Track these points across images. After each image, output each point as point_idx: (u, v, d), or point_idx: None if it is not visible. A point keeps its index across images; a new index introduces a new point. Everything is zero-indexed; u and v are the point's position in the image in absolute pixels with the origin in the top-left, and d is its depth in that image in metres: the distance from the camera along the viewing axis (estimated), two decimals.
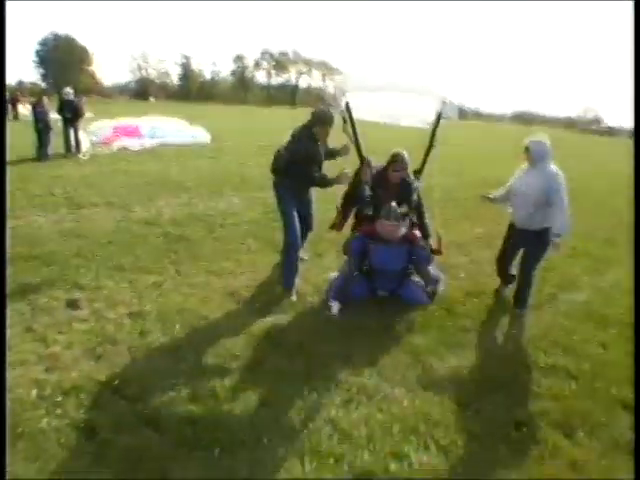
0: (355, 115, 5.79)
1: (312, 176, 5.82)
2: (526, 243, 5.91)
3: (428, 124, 5.95)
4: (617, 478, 3.60)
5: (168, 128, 20.00)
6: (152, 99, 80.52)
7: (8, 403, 3.47)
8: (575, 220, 5.64)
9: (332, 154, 6.27)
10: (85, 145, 16.92)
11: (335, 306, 5.62)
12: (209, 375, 4.39)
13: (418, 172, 6.21)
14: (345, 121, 5.82)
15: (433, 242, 6.13)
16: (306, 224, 6.34)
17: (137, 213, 9.54)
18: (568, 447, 3.82)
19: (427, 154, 6.10)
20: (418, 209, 6.17)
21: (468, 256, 8.13)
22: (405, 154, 5.99)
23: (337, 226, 6.34)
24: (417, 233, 5.93)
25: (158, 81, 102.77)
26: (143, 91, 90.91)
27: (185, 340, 4.96)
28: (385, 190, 5.95)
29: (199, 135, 20.45)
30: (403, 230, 5.73)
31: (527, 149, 5.62)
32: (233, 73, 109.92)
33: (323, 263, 7.07)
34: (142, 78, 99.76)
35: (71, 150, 16.66)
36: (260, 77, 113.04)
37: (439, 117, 5.87)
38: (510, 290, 6.32)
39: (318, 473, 3.36)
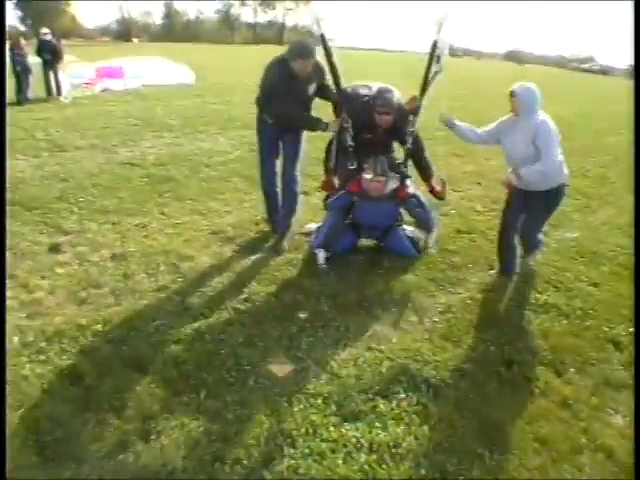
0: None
1: (283, 113, 5.21)
2: (529, 205, 4.98)
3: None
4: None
5: (152, 68, 19.68)
6: (135, 40, 78.96)
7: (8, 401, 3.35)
8: (569, 158, 5.48)
9: (325, 94, 5.45)
10: (66, 88, 16.51)
11: (321, 255, 5.25)
12: (194, 315, 4.31)
13: (414, 112, 5.24)
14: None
15: (435, 183, 5.53)
16: (285, 169, 5.68)
17: (121, 155, 9.33)
18: (559, 385, 3.77)
19: (423, 90, 5.18)
20: (415, 152, 5.39)
21: (458, 192, 8.02)
22: (393, 91, 5.27)
23: (325, 185, 5.62)
24: (409, 189, 5.29)
25: (141, 21, 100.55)
26: (125, 32, 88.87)
27: (169, 281, 4.86)
28: (372, 137, 5.27)
29: (183, 74, 20.12)
30: (392, 185, 5.20)
31: (514, 95, 4.64)
32: (218, 11, 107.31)
33: (310, 201, 6.87)
34: (124, 19, 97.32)
35: (52, 93, 16.21)
36: (246, 15, 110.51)
37: (434, 45, 5.01)
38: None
39: (305, 413, 3.30)
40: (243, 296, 4.63)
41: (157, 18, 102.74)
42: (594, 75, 67.45)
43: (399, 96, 5.32)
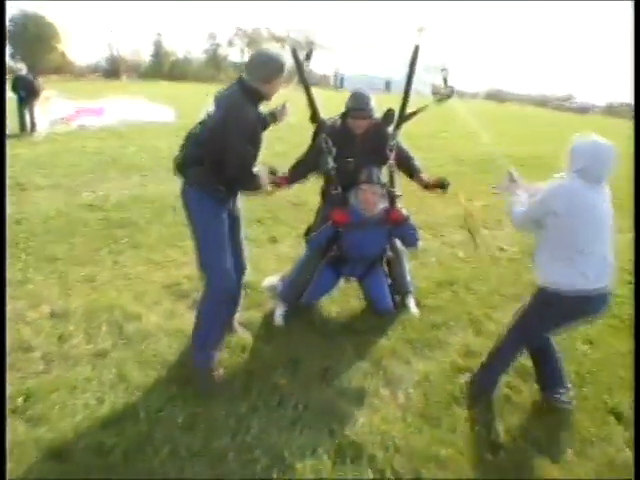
0: None
1: (245, 165, 3.65)
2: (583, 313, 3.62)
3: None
4: None
5: (131, 107, 19.43)
6: (124, 77, 79.01)
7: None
8: None
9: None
10: (42, 124, 16.03)
11: (279, 313, 4.71)
12: (130, 388, 3.72)
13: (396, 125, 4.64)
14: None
15: (427, 177, 4.81)
16: (239, 262, 4.17)
17: (82, 196, 8.71)
18: (555, 472, 3.22)
19: (404, 105, 4.59)
20: (400, 156, 4.71)
21: (440, 238, 7.51)
22: (369, 96, 4.55)
23: (276, 183, 4.43)
24: (402, 211, 4.61)
25: (130, 59, 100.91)
26: (114, 70, 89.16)
27: (110, 345, 4.26)
28: (351, 148, 4.54)
29: (162, 113, 19.81)
30: (381, 204, 4.57)
31: (578, 154, 3.35)
32: (206, 51, 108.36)
33: (279, 250, 6.32)
34: (113, 56, 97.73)
35: (26, 129, 15.67)
36: (234, 55, 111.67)
37: (413, 61, 4.50)
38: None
39: None
40: (189, 364, 3.99)
41: (146, 56, 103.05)
42: (573, 113, 67.89)
43: (375, 104, 4.60)
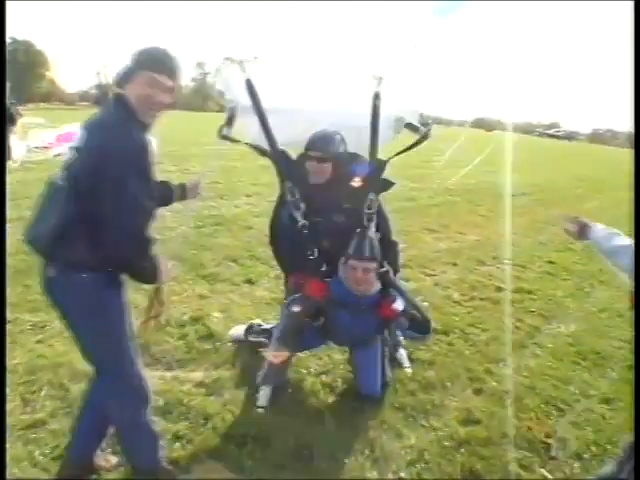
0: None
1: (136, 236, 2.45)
2: None
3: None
4: None
5: None
6: None
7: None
8: (550, 230, 4.38)
9: (167, 193, 3.03)
10: (19, 152, 15.42)
11: (264, 394, 3.75)
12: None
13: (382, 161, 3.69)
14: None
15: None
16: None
17: None
18: None
19: (373, 152, 3.62)
20: (378, 227, 3.74)
21: (431, 277, 6.87)
22: (336, 136, 3.66)
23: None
24: (397, 306, 3.61)
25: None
26: (103, 97, 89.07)
27: (49, 412, 3.60)
28: (312, 206, 3.68)
29: None
30: (378, 285, 3.67)
31: None
32: (194, 80, 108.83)
33: (255, 294, 5.69)
34: (101, 84, 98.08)
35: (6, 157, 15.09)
36: (221, 84, 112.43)
37: (375, 110, 3.57)
38: None
39: None
40: None
41: None
42: (559, 141, 68.07)
43: (345, 146, 3.71)
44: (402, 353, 4.32)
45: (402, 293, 3.70)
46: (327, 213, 3.64)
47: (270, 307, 4.88)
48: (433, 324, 5.07)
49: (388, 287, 3.68)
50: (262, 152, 3.77)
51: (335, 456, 3.31)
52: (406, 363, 4.28)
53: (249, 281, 6.00)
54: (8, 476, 2.32)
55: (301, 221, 3.64)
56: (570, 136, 79.73)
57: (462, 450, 3.45)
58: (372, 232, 3.59)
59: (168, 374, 4.12)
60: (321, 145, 3.58)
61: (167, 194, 2.97)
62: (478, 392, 4.17)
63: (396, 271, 3.89)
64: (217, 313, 5.16)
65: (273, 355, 3.62)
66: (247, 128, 3.83)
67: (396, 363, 4.24)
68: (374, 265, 3.51)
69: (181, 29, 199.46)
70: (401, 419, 3.71)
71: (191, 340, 4.67)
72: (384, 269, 3.68)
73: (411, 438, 3.53)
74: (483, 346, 4.92)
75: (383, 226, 3.80)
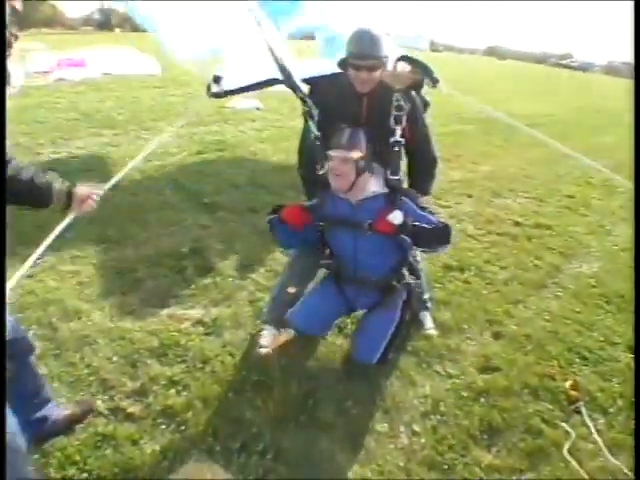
0: None
1: None
2: None
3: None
4: None
5: (116, 58, 17.84)
6: (117, 30, 77.33)
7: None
8: (567, 162, 3.97)
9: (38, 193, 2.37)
10: (17, 77, 14.85)
11: (265, 341, 3.45)
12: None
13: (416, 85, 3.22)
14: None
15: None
16: None
17: (43, 157, 7.60)
18: None
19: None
20: (414, 143, 3.26)
21: (445, 209, 6.49)
22: (377, 33, 3.04)
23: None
24: (393, 217, 2.89)
25: (122, 11, 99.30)
26: (107, 22, 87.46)
27: (37, 355, 3.31)
28: (352, 115, 3.13)
29: (149, 65, 18.12)
30: (375, 184, 3.05)
31: None
32: None
33: (259, 223, 5.30)
34: (105, 8, 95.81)
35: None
36: None
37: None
38: None
39: None
40: (128, 400, 3.03)
41: None
42: (573, 71, 66.40)
43: (390, 50, 3.15)
44: (426, 315, 3.85)
45: (409, 205, 3.00)
46: (367, 126, 3.06)
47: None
48: (446, 259, 4.80)
49: (394, 200, 3.00)
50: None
51: (342, 406, 3.03)
52: (429, 326, 3.81)
53: (252, 210, 5.65)
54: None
55: (314, 132, 3.17)
56: (584, 67, 77.80)
57: (481, 400, 3.17)
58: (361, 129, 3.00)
59: (163, 312, 3.84)
60: (369, 50, 3.01)
61: (38, 194, 2.34)
62: (497, 336, 3.87)
63: (425, 193, 3.39)
64: (218, 244, 4.84)
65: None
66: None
67: (418, 325, 3.79)
68: (353, 155, 2.89)
69: None
70: (414, 365, 3.41)
71: (189, 274, 4.37)
72: (395, 177, 3.06)
73: (425, 386, 3.24)
74: (501, 285, 4.60)
75: (419, 135, 3.29)
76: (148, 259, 4.57)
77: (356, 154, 2.89)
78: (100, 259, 4.62)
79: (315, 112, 3.16)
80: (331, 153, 2.93)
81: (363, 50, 3.00)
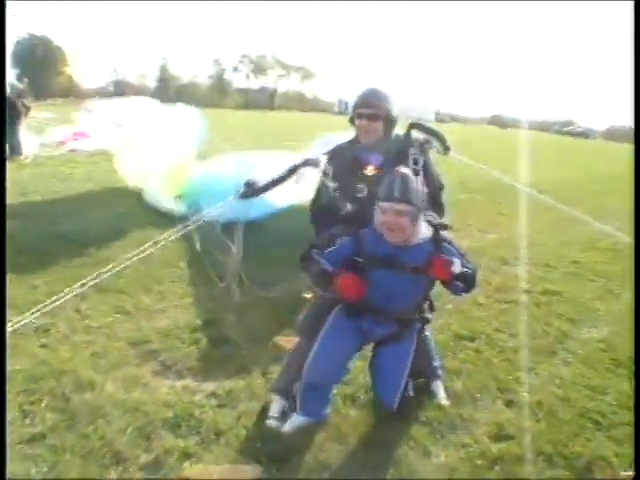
0: None
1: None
2: None
3: None
4: None
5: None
6: None
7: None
8: (573, 228, 4.09)
9: None
10: (29, 147, 15.25)
11: (274, 414, 3.47)
12: None
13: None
14: None
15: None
16: None
17: (58, 227, 7.75)
18: None
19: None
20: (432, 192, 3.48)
21: None
22: (383, 90, 3.47)
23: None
24: (455, 267, 3.01)
25: (136, 83, 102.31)
26: (120, 93, 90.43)
27: (49, 425, 3.36)
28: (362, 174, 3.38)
29: None
30: (424, 231, 3.15)
31: None
32: (211, 77, 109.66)
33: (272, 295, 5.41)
34: (119, 80, 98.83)
35: (14, 152, 14.88)
36: (238, 81, 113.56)
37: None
38: None
39: None
40: (142, 472, 3.06)
41: (152, 81, 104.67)
42: (576, 138, 67.32)
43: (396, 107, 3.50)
44: (438, 384, 3.86)
45: (454, 252, 3.17)
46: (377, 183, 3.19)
47: (290, 311, 4.63)
48: (456, 328, 4.87)
49: (440, 244, 3.14)
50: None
51: (358, 476, 3.06)
52: (442, 396, 3.80)
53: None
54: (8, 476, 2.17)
55: (331, 185, 3.39)
56: (586, 133, 78.87)
57: (495, 469, 3.19)
58: (410, 173, 3.12)
59: (178, 383, 3.90)
60: (371, 102, 3.40)
61: None
62: (509, 404, 3.89)
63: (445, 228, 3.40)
64: (231, 316, 4.92)
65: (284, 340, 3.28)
66: None
67: (431, 394, 3.82)
68: (408, 208, 2.97)
69: (198, 26, 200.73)
70: (428, 435, 3.43)
71: (203, 346, 4.44)
72: (438, 221, 3.23)
73: (440, 456, 3.26)
74: (511, 353, 4.65)
75: (431, 186, 3.48)
76: (162, 330, 4.66)
77: (409, 207, 2.98)
78: (114, 330, 4.70)
79: (330, 170, 3.42)
80: (385, 205, 3.00)
81: (365, 100, 3.39)
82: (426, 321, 3.42)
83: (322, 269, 3.09)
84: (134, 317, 4.97)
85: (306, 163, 3.56)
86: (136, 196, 9.89)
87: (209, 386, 3.87)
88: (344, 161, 3.48)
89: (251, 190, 3.62)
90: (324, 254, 3.16)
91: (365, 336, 3.37)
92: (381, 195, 3.03)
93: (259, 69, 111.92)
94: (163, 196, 8.28)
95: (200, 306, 5.21)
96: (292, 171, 3.65)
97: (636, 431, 2.81)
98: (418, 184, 3.12)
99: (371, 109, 3.37)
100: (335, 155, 3.57)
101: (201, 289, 5.60)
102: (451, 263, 3.00)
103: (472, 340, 4.81)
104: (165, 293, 5.53)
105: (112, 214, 8.75)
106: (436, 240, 3.14)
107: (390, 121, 3.46)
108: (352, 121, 3.55)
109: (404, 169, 3.10)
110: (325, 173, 3.45)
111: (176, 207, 7.69)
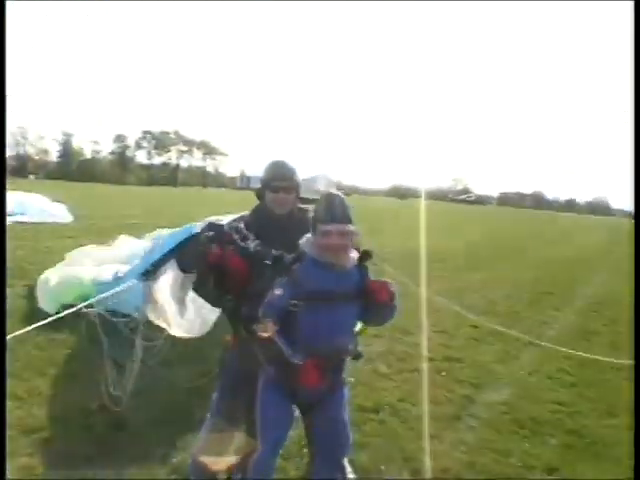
0: None
1: None
2: None
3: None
4: None
5: (28, 204, 19.14)
6: (32, 177, 78.17)
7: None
8: (470, 294, 4.18)
9: None
10: None
11: None
12: None
13: None
14: None
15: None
16: None
17: None
18: None
19: None
20: None
21: None
22: (290, 164, 3.48)
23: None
24: (387, 285, 2.93)
25: (37, 158, 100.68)
26: (22, 168, 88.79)
27: None
28: (275, 239, 3.21)
29: (59, 214, 19.55)
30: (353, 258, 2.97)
31: None
32: (113, 153, 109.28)
33: None
34: (20, 155, 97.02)
35: None
36: (141, 157, 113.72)
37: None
38: None
39: None
40: None
41: (54, 156, 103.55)
42: (471, 205, 70.58)
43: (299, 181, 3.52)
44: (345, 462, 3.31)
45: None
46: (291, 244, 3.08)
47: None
48: (360, 400, 4.79)
49: (367, 268, 3.00)
50: None
51: None
52: (347, 469, 3.29)
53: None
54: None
55: (251, 245, 3.20)
56: (481, 200, 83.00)
57: None
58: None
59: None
60: (284, 175, 3.39)
61: None
62: (415, 473, 3.83)
63: None
64: (131, 399, 4.64)
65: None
66: None
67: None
68: (350, 228, 2.86)
69: (101, 101, 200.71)
70: None
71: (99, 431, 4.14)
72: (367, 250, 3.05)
73: None
74: (415, 422, 4.60)
75: None
76: (53, 419, 4.32)
77: (351, 227, 2.87)
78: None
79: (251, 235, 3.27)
80: (328, 228, 2.83)
81: (279, 173, 3.38)
82: (359, 356, 3.09)
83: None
84: (25, 403, 4.55)
85: (209, 228, 3.45)
86: (31, 277, 9.41)
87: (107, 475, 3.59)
88: (267, 227, 3.38)
89: (152, 269, 3.52)
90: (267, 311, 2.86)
91: (300, 400, 3.07)
92: (322, 217, 2.87)
93: (162, 145, 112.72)
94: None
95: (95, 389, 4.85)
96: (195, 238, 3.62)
97: (636, 431, 2.78)
98: None
99: (286, 182, 3.38)
100: (250, 222, 3.44)
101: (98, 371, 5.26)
102: (389, 283, 2.92)
103: (376, 412, 4.74)
104: (61, 375, 5.16)
105: (7, 294, 8.23)
106: (363, 265, 3.00)
107: (298, 193, 3.49)
108: (259, 195, 3.49)
109: (335, 191, 3.01)
110: (242, 234, 3.27)
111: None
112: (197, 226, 3.83)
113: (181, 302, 4.78)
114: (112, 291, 3.96)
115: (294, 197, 3.43)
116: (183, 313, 4.84)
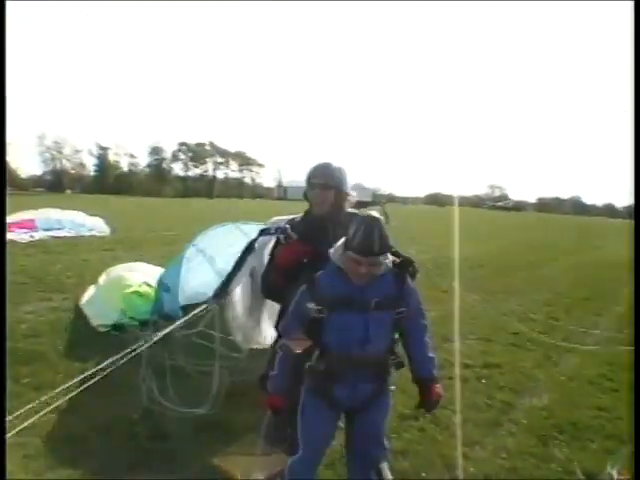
0: None
1: None
2: None
3: None
4: None
5: (65, 220, 19.18)
6: (68, 191, 79.30)
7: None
8: (510, 300, 4.23)
9: None
10: None
11: None
12: None
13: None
14: None
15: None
16: None
17: None
18: None
19: None
20: None
21: None
22: (335, 165, 3.72)
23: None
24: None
25: (73, 172, 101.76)
26: (58, 183, 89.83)
27: None
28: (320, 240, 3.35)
29: (96, 227, 19.70)
30: (386, 262, 2.92)
31: None
32: (149, 165, 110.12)
33: None
34: (56, 169, 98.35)
35: None
36: (177, 169, 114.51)
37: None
38: None
39: None
40: None
41: (90, 170, 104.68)
42: (509, 212, 69.78)
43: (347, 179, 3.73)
44: (384, 466, 3.33)
45: (414, 295, 3.14)
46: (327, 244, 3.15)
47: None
48: (400, 408, 4.85)
49: (403, 277, 3.04)
50: None
51: None
52: (388, 476, 3.26)
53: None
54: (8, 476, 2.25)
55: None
56: (518, 206, 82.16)
57: None
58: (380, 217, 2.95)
59: None
60: (323, 173, 3.64)
61: None
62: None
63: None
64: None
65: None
66: None
67: None
68: (386, 258, 2.88)
69: (137, 114, 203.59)
70: None
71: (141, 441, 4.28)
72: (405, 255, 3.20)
73: None
74: (455, 428, 4.67)
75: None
76: (95, 428, 4.46)
77: (386, 257, 2.88)
78: (46, 431, 4.42)
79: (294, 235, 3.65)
80: (360, 259, 2.80)
81: (317, 171, 3.66)
82: (400, 365, 3.19)
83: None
84: (70, 414, 4.67)
85: (262, 233, 3.92)
86: (70, 289, 9.68)
87: None
88: (310, 228, 3.66)
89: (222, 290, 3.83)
90: (289, 325, 3.07)
91: (344, 407, 3.14)
92: (357, 247, 2.80)
93: (198, 157, 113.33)
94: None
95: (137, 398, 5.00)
96: (250, 247, 4.02)
97: (636, 431, 2.84)
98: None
99: (323, 179, 3.61)
100: (296, 223, 3.79)
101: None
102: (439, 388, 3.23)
103: (416, 419, 4.81)
104: (100, 388, 5.27)
105: (44, 307, 8.47)
106: (400, 272, 3.04)
107: (340, 192, 3.65)
108: (305, 196, 3.77)
109: (375, 214, 2.93)
110: (286, 234, 3.67)
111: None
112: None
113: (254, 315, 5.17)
114: (192, 313, 4.15)
115: (332, 195, 3.62)
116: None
